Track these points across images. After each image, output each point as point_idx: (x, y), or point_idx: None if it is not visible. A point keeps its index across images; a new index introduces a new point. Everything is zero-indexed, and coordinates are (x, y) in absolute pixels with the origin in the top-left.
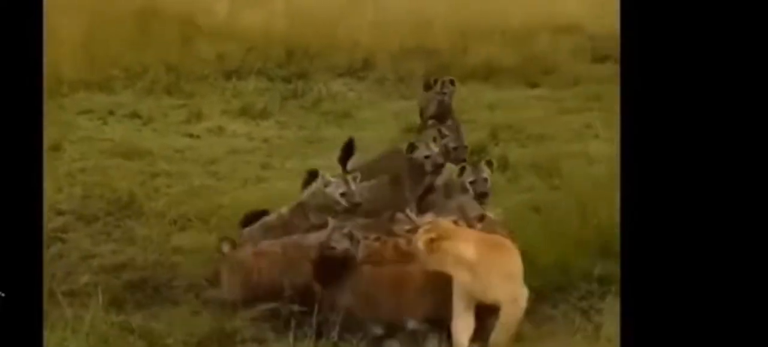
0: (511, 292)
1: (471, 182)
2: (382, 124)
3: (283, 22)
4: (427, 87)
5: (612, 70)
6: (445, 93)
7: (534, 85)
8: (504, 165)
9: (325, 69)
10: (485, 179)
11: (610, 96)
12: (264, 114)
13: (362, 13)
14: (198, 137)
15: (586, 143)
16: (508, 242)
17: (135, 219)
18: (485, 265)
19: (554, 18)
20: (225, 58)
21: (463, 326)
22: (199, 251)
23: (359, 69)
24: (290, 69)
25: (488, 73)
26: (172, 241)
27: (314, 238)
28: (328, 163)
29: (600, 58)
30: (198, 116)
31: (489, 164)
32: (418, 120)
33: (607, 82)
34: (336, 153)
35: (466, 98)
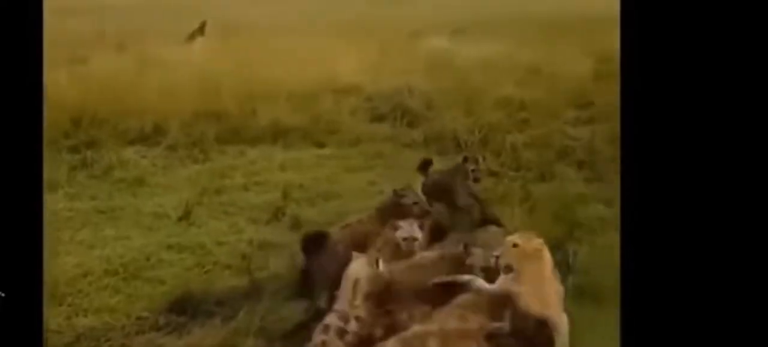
0: None
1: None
2: (177, 189)
3: (69, 90)
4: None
5: (389, 129)
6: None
7: (321, 144)
8: (296, 224)
9: (115, 136)
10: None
11: (390, 154)
12: (51, 186)
13: (150, 79)
14: None
15: (371, 199)
16: None
17: None
18: None
19: (335, 80)
20: None
21: None
22: None
23: (150, 135)
24: (78, 138)
25: (277, 135)
26: None
27: None
28: (121, 233)
29: (378, 118)
30: None
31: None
32: (212, 183)
33: (386, 141)
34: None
35: (256, 159)
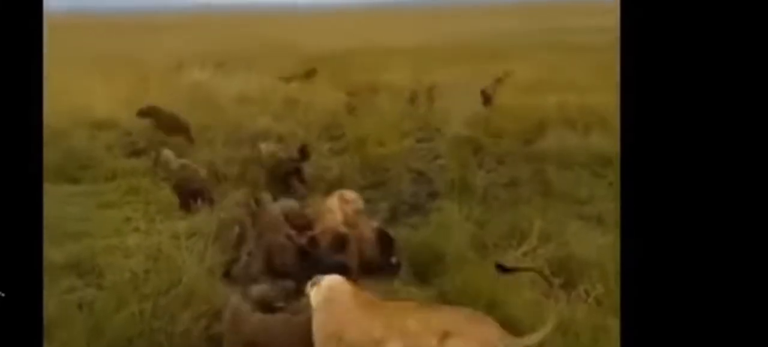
0: None
1: None
2: None
3: None
4: None
5: (146, 164)
6: None
7: (75, 180)
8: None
9: None
10: None
11: (146, 189)
12: None
13: None
14: None
15: (124, 237)
16: None
17: None
18: None
19: (90, 114)
20: None
21: None
22: None
23: None
24: None
25: None
26: None
27: None
28: None
29: (135, 153)
30: None
31: None
32: None
33: (141, 176)
34: None
35: None
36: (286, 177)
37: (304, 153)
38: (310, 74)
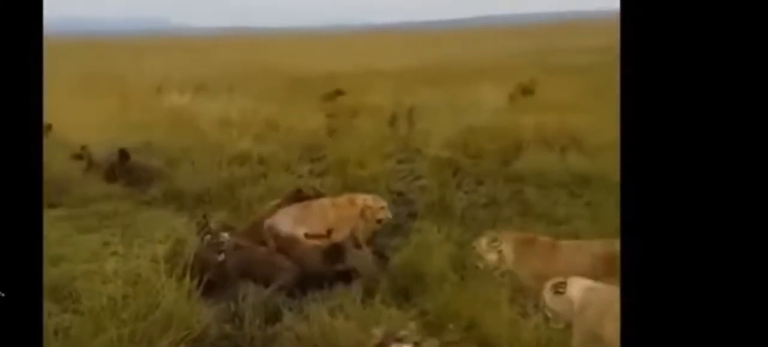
0: None
1: None
2: None
3: None
4: None
5: (121, 190)
6: None
7: (52, 205)
8: None
9: None
10: None
11: (124, 213)
12: None
13: None
14: None
15: (103, 261)
16: None
17: None
18: None
19: (69, 137)
20: None
21: None
22: None
23: None
24: None
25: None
26: None
27: None
28: None
29: (111, 178)
30: None
31: None
32: None
33: (118, 200)
34: None
35: None
36: (110, 174)
37: (123, 155)
38: (335, 95)
